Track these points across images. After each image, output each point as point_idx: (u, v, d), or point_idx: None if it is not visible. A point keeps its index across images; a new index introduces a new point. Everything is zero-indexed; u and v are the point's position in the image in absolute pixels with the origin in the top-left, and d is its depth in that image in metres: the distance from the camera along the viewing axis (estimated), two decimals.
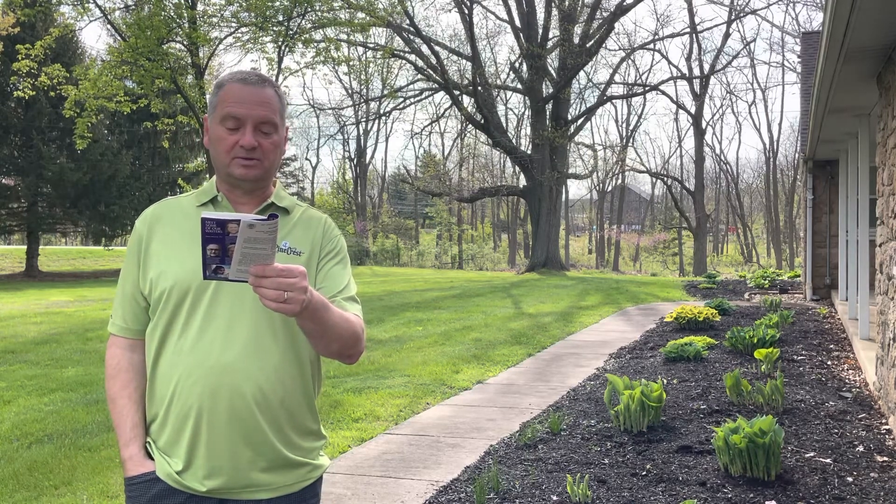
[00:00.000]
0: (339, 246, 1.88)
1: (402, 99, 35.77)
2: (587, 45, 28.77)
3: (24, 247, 28.69)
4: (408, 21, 28.66)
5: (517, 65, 32.24)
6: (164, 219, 1.82)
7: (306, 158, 57.45)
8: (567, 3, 29.01)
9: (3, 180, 26.58)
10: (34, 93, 20.30)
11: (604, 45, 32.53)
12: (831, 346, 8.35)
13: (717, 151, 57.04)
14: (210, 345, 1.71)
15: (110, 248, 33.14)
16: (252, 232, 1.42)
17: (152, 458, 1.77)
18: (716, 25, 53.25)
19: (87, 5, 18.72)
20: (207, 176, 23.84)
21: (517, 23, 29.67)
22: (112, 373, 1.82)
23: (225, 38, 19.55)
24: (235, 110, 1.73)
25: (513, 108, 54.72)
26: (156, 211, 1.85)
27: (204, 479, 1.73)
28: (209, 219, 1.44)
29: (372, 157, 57.92)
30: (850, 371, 6.91)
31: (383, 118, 48.18)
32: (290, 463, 1.79)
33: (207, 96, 19.47)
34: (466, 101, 31.06)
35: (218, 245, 1.45)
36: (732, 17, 37.18)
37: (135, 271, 1.81)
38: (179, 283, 1.73)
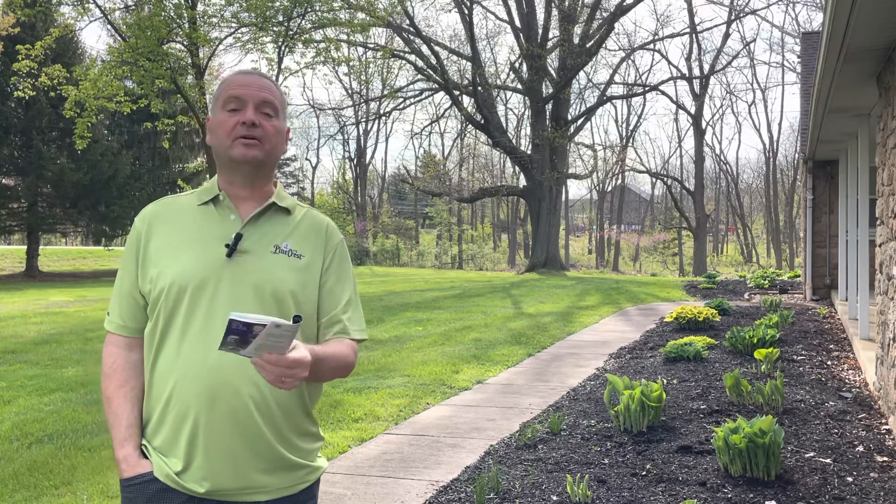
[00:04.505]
0: (342, 254, 1.90)
1: (402, 99, 35.77)
2: (587, 46, 28.77)
3: (24, 247, 28.69)
4: (408, 21, 28.67)
5: (517, 65, 32.25)
6: (163, 217, 1.82)
7: (306, 158, 57.37)
8: (567, 3, 29.01)
9: (3, 180, 26.58)
10: (34, 93, 20.30)
11: (604, 46, 32.55)
12: (831, 346, 8.35)
13: (717, 151, 57.13)
14: (209, 346, 1.69)
15: (110, 248, 33.13)
16: (276, 330, 1.46)
17: (147, 459, 1.75)
18: (716, 26, 53.18)
19: (87, 5, 18.72)
20: (207, 176, 23.84)
21: (517, 23, 29.66)
22: (108, 371, 1.80)
23: (225, 38, 19.55)
24: (237, 91, 1.78)
25: (513, 108, 54.78)
26: (155, 209, 1.84)
27: (202, 481, 1.71)
28: (237, 321, 1.45)
29: (372, 157, 57.92)
30: (850, 371, 6.91)
31: (383, 118, 48.20)
32: (289, 465, 1.79)
33: (207, 96, 19.51)
34: (466, 101, 31.07)
35: (239, 337, 1.47)
36: (732, 18, 37.20)
37: (133, 269, 1.80)
38: (178, 283, 1.72)
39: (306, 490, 1.84)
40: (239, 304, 1.71)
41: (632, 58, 43.84)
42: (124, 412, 1.76)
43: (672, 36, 37.79)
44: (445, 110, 42.98)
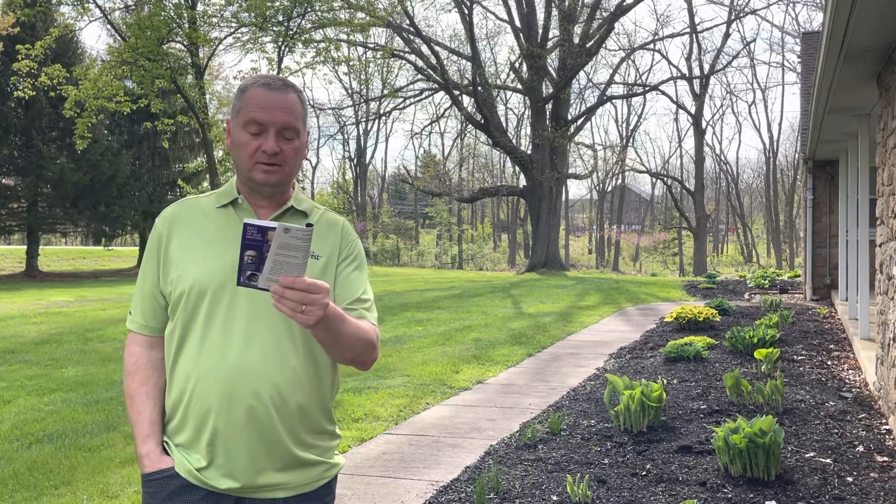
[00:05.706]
0: (357, 251, 1.91)
1: (402, 99, 35.78)
2: (587, 45, 28.77)
3: (24, 247, 28.70)
4: (408, 21, 28.67)
5: (517, 65, 32.24)
6: (183, 219, 1.84)
7: (306, 158, 57.37)
8: (567, 3, 29.01)
9: (3, 180, 26.59)
10: (34, 93, 20.30)
11: (604, 46, 32.55)
12: (831, 346, 8.35)
13: (717, 151, 57.10)
14: (229, 346, 1.72)
15: (110, 248, 33.15)
16: (287, 237, 1.44)
17: (168, 455, 1.79)
18: (716, 25, 53.24)
19: (87, 5, 18.75)
20: (207, 176, 23.85)
21: (517, 23, 29.66)
22: (130, 370, 1.84)
23: (225, 38, 19.56)
24: (259, 116, 1.74)
25: (513, 108, 54.72)
26: (175, 211, 1.86)
27: (222, 478, 1.75)
28: (251, 225, 1.45)
29: (372, 157, 58.03)
30: (850, 371, 6.91)
31: (383, 118, 48.20)
32: (307, 462, 1.81)
33: (207, 96, 19.52)
34: (466, 101, 31.07)
35: (256, 252, 1.46)
36: (732, 18, 37.18)
37: (154, 270, 1.83)
38: (198, 285, 1.75)
39: (325, 486, 1.87)
40: (258, 306, 1.74)
41: (632, 58, 43.88)
42: (146, 409, 1.80)
43: (672, 36, 37.79)
44: (445, 110, 43.02)
